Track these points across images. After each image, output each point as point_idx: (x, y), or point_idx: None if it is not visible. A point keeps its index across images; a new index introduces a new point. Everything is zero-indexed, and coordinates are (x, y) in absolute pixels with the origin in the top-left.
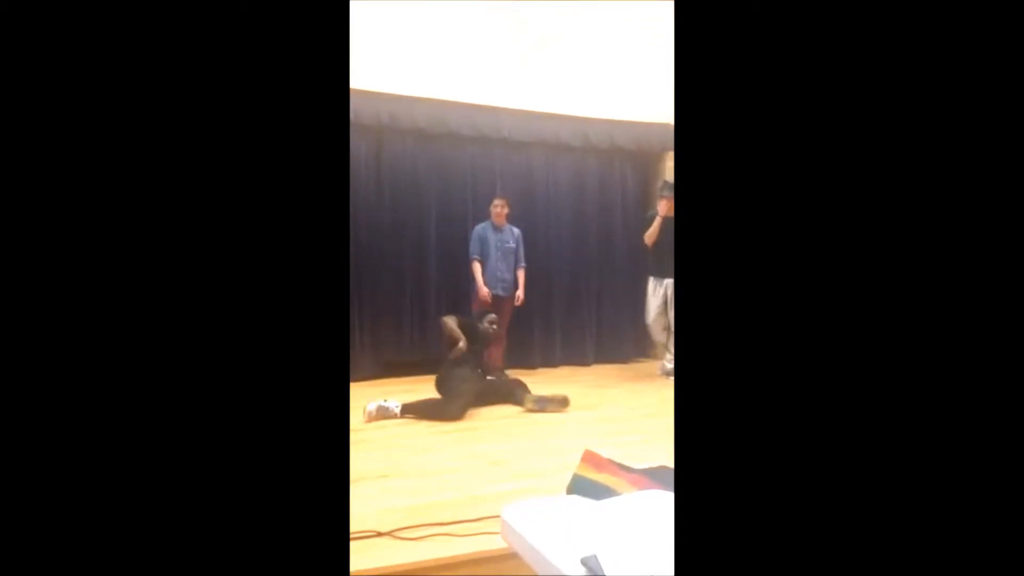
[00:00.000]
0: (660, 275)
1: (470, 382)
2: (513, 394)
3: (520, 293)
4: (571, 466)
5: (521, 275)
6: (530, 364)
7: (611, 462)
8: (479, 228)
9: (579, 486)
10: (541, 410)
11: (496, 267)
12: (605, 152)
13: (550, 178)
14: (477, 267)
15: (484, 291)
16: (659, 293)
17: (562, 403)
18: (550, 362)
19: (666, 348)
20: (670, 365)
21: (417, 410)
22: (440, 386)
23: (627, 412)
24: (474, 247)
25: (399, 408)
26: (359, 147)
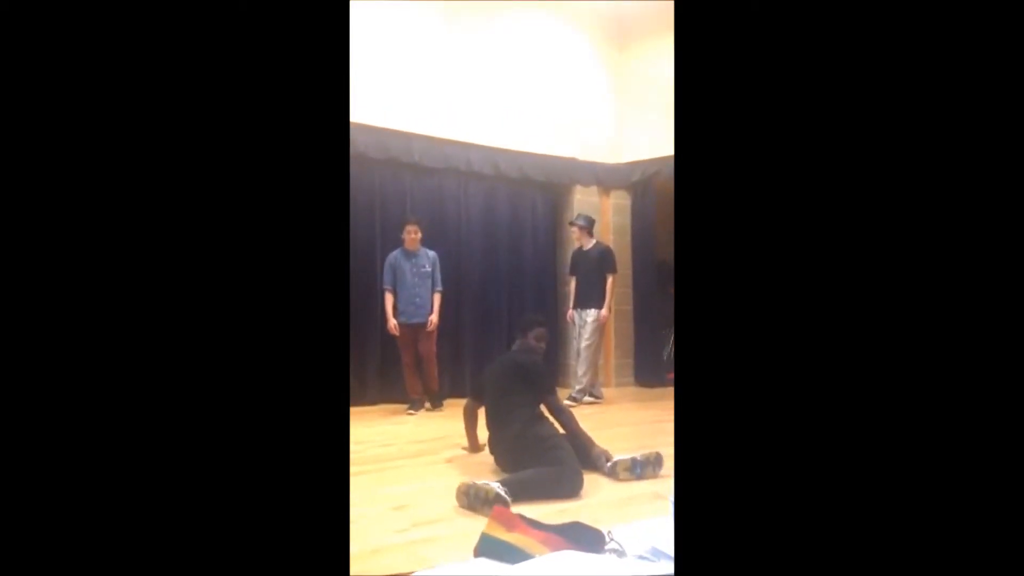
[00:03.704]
0: (579, 306)
1: (563, 438)
2: (593, 459)
3: (434, 317)
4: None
5: (437, 299)
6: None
7: (521, 519)
8: (391, 256)
9: (488, 547)
10: (638, 478)
11: (413, 293)
12: (515, 182)
13: (461, 205)
14: (388, 299)
15: (392, 323)
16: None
17: (657, 464)
18: (459, 391)
19: (576, 375)
20: (577, 388)
21: (529, 490)
22: (537, 452)
23: None
24: (387, 277)
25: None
26: None
